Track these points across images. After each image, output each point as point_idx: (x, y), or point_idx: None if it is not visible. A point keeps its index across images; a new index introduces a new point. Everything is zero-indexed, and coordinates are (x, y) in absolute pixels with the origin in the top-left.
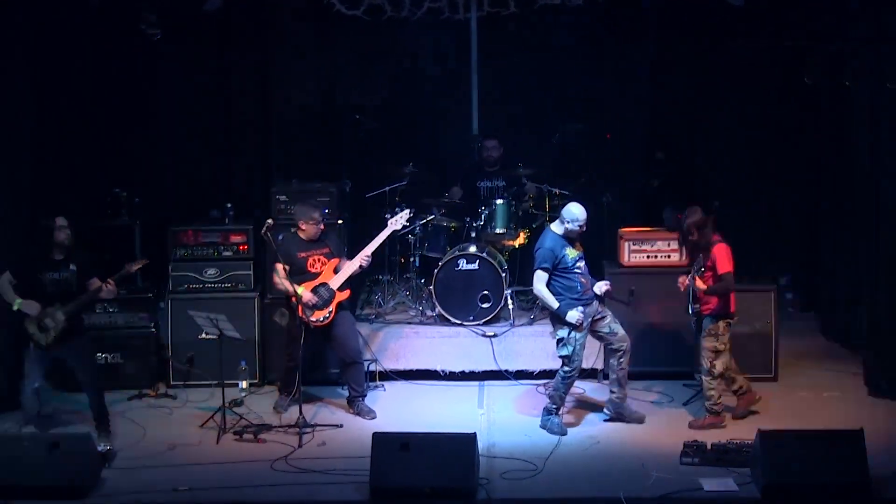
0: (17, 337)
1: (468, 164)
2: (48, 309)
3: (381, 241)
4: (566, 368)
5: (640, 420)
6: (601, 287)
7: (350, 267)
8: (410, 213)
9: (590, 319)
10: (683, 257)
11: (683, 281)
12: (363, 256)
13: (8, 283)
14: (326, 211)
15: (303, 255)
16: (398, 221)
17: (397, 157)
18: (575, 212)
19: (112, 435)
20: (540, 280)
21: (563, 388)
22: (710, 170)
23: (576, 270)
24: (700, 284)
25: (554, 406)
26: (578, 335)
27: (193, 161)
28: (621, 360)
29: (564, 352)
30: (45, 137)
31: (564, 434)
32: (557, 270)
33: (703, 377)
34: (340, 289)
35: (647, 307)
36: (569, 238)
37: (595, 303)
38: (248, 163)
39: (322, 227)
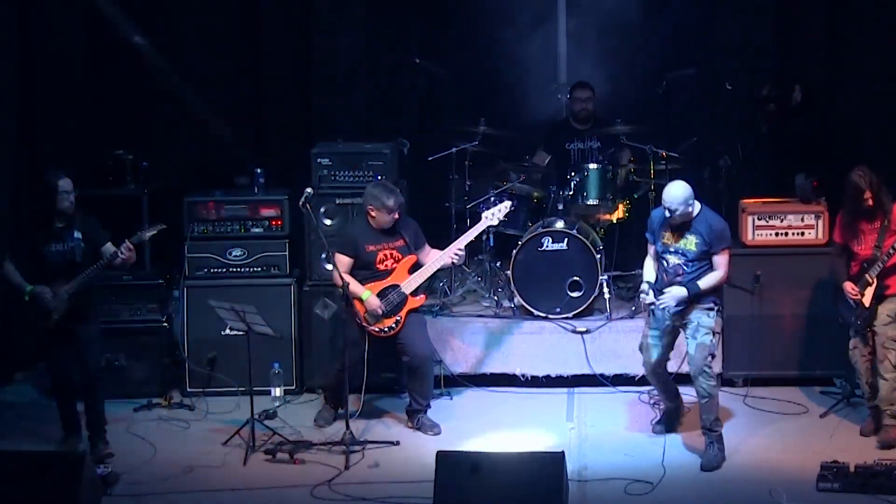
0: None
1: (555, 122)
2: (48, 287)
3: (472, 237)
4: None
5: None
6: (645, 299)
7: (432, 267)
8: (513, 205)
9: (662, 310)
10: (822, 233)
11: (852, 289)
12: (452, 253)
13: (13, 267)
14: (379, 177)
15: (372, 247)
16: (495, 216)
17: (466, 111)
18: (665, 193)
19: (108, 444)
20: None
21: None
22: (857, 127)
23: (661, 260)
24: None
25: None
26: (653, 315)
27: (215, 117)
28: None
29: None
30: (33, 87)
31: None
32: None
33: (887, 375)
34: (414, 293)
35: (776, 296)
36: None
37: (666, 311)
38: (283, 119)
39: (397, 216)
